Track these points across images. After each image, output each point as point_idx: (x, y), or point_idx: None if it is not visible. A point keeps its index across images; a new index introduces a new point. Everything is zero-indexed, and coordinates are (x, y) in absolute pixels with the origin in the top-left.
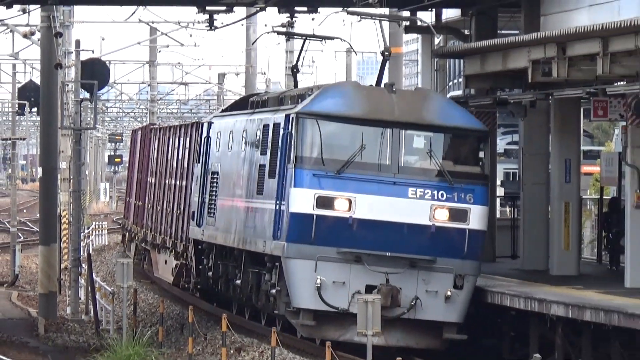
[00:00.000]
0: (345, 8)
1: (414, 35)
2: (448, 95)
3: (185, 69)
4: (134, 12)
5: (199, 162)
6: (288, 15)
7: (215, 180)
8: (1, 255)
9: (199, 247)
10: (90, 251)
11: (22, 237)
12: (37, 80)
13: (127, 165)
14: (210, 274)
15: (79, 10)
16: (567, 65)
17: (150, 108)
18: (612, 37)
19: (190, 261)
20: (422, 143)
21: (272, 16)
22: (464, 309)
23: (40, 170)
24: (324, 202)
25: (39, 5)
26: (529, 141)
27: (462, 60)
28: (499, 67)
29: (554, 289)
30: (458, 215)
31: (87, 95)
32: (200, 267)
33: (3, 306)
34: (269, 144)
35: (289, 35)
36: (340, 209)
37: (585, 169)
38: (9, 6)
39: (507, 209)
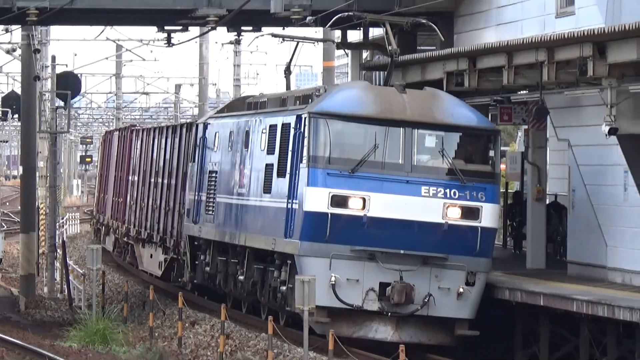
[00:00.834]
0: (284, 27)
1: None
2: None
3: (147, 80)
4: (102, 31)
5: (193, 162)
6: (235, 33)
7: (213, 179)
8: None
9: (195, 243)
10: (64, 238)
11: (5, 227)
12: (18, 90)
13: (97, 164)
14: (207, 269)
15: (55, 30)
16: (477, 76)
17: (116, 115)
18: (515, 52)
19: (183, 256)
20: (433, 142)
21: (221, 34)
22: (475, 305)
23: (20, 168)
24: (339, 201)
25: (20, 26)
26: None
27: (385, 73)
28: (418, 78)
29: None
30: (470, 213)
31: (62, 103)
32: (197, 262)
33: None
34: (277, 144)
35: (283, 38)
36: (354, 208)
37: None
38: None
39: None
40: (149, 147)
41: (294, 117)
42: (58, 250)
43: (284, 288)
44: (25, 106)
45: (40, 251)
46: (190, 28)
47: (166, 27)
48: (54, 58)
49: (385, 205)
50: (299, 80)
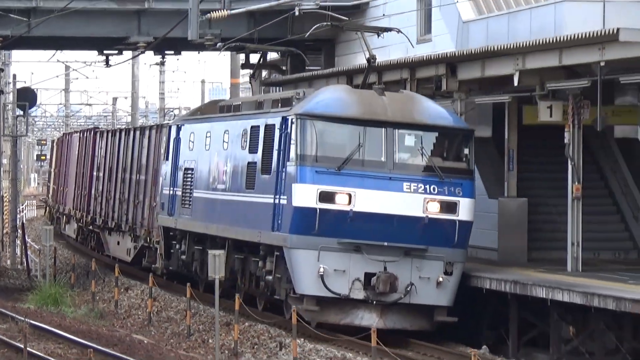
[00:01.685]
0: (199, 51)
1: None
2: None
3: (90, 94)
4: (53, 55)
5: (167, 160)
6: (160, 56)
7: (189, 175)
8: None
9: (170, 233)
10: (24, 221)
11: None
12: None
13: (52, 161)
14: (183, 257)
15: (15, 53)
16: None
17: (65, 121)
18: (385, 71)
19: (156, 244)
20: (413, 141)
21: (149, 57)
22: (453, 293)
23: None
24: (326, 197)
25: None
26: None
27: (281, 87)
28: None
29: None
30: (448, 207)
31: (21, 112)
32: (172, 250)
33: None
34: (260, 143)
35: (251, 49)
36: (340, 203)
37: None
38: None
39: None
40: (115, 146)
41: (279, 118)
42: (18, 231)
43: (269, 277)
44: None
45: (4, 231)
46: (124, 52)
47: (105, 51)
48: (14, 76)
49: (370, 200)
50: (212, 93)
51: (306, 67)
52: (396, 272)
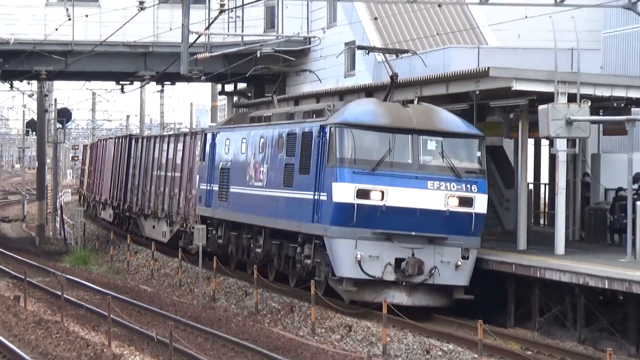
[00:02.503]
0: (189, 82)
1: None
2: None
3: (110, 112)
4: (84, 84)
5: (203, 161)
6: (161, 85)
7: (225, 174)
8: (18, 206)
9: (207, 222)
10: (62, 204)
11: (27, 196)
12: (35, 117)
13: (86, 160)
14: (219, 241)
15: (56, 83)
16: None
17: (92, 133)
18: (321, 97)
19: (191, 229)
20: (434, 146)
21: (152, 86)
22: (469, 274)
23: (36, 163)
24: (362, 194)
25: (36, 81)
26: None
27: (248, 109)
28: (269, 114)
29: None
30: (466, 202)
31: (60, 125)
32: (209, 236)
33: (18, 231)
34: (298, 148)
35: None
36: (375, 199)
37: None
38: (21, 81)
39: None
40: (150, 149)
41: (316, 127)
42: (58, 210)
43: (308, 261)
44: (39, 127)
45: (48, 211)
46: (134, 82)
47: (120, 82)
48: (55, 100)
49: (399, 196)
50: (198, 113)
51: (264, 95)
52: (422, 257)
